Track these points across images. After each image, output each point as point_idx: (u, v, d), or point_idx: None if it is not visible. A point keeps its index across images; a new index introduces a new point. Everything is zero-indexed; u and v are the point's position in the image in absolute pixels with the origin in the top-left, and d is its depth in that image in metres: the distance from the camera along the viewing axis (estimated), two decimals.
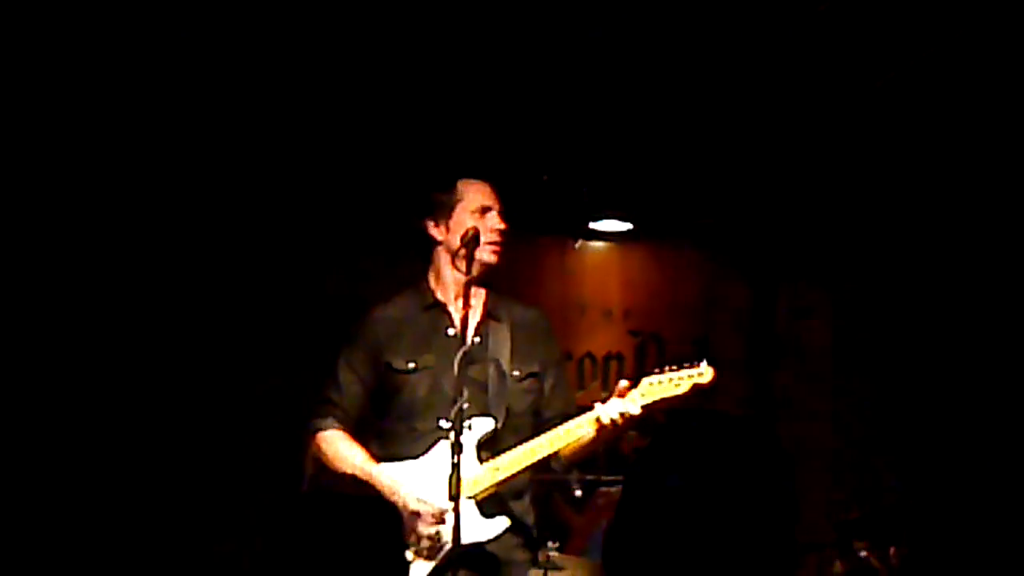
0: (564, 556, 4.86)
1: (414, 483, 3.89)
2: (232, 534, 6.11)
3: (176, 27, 5.17)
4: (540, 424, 4.16)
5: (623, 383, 4.02)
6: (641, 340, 7.14)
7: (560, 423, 4.09)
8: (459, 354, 3.82)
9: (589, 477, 6.00)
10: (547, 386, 4.22)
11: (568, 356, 7.06)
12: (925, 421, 6.74)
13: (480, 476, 3.94)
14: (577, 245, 7.21)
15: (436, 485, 3.91)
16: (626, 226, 7.09)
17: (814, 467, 6.73)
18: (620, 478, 5.67)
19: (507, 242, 4.12)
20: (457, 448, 3.63)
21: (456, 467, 3.62)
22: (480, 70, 5.70)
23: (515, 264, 6.74)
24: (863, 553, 5.27)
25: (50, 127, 5.74)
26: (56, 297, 6.06)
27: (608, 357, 7.13)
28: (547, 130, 6.22)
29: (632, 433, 4.13)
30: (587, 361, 7.12)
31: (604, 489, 5.97)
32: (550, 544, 4.78)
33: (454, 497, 3.62)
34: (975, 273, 6.49)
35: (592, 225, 7.09)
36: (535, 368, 4.17)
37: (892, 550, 5.26)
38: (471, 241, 4.01)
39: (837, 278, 7.12)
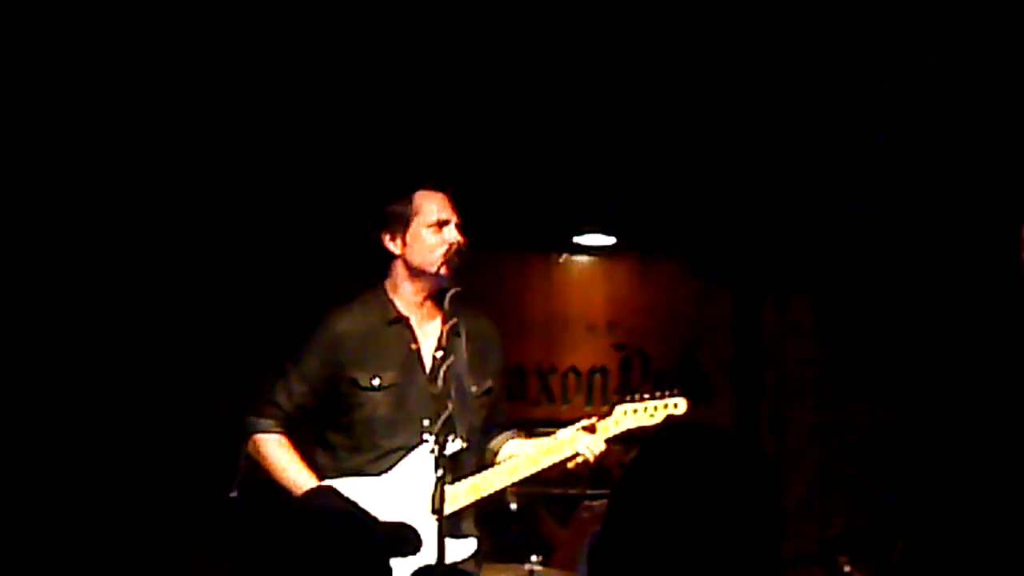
0: (549, 570, 4.86)
1: (377, 502, 3.82)
2: (210, 540, 6.05)
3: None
4: (487, 438, 4.15)
5: (592, 419, 4.04)
6: (626, 354, 7.14)
7: (499, 434, 4.10)
8: (443, 367, 3.81)
9: (572, 491, 6.00)
10: (495, 400, 4.20)
11: (553, 370, 7.07)
12: (913, 434, 6.74)
13: (459, 493, 3.92)
14: (561, 259, 7.21)
15: (406, 503, 3.87)
16: (610, 240, 7.09)
17: (799, 481, 6.73)
18: (605, 492, 5.69)
19: (465, 255, 4.00)
20: (442, 462, 3.62)
21: (440, 481, 3.60)
22: (464, 84, 5.69)
23: (499, 278, 6.86)
24: (847, 568, 5.26)
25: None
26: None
27: (592, 371, 7.12)
28: (531, 144, 6.21)
29: (616, 447, 4.11)
30: (571, 375, 7.11)
31: (588, 503, 5.97)
32: (533, 558, 4.77)
33: (437, 511, 3.60)
34: (965, 284, 6.49)
35: (576, 239, 7.09)
36: (489, 383, 4.15)
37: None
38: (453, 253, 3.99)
39: (823, 290, 7.12)
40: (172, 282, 6.33)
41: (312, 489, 3.79)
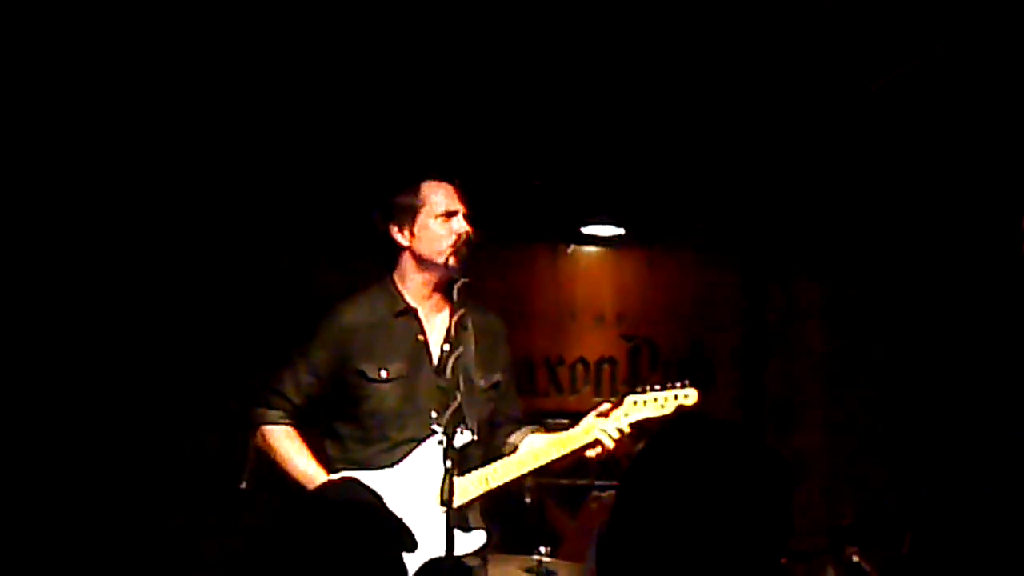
0: (557, 561, 4.86)
1: (387, 494, 3.81)
2: (216, 531, 6.06)
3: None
4: (494, 431, 4.14)
5: (605, 405, 4.02)
6: (634, 344, 7.13)
7: (515, 430, 4.10)
8: (451, 359, 3.80)
9: (581, 482, 6.00)
10: (503, 393, 4.20)
11: (561, 361, 7.07)
12: (921, 425, 6.73)
13: (468, 485, 3.92)
14: (569, 250, 7.20)
15: (415, 495, 3.87)
16: (618, 230, 7.08)
17: (808, 472, 6.73)
18: (613, 483, 5.69)
19: (473, 245, 3.98)
20: (451, 454, 3.62)
21: (449, 472, 3.60)
22: (470, 75, 5.68)
23: (507, 269, 6.85)
24: (855, 558, 5.26)
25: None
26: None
27: (601, 362, 7.12)
28: (538, 135, 6.21)
29: (625, 438, 4.09)
30: (579, 366, 7.11)
31: (596, 494, 5.97)
32: (542, 549, 4.77)
33: (446, 503, 3.60)
34: (971, 273, 6.48)
35: (584, 229, 7.08)
36: (497, 377, 4.14)
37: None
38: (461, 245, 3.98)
39: (832, 281, 7.11)
40: (176, 276, 6.34)
41: (335, 481, 3.79)
